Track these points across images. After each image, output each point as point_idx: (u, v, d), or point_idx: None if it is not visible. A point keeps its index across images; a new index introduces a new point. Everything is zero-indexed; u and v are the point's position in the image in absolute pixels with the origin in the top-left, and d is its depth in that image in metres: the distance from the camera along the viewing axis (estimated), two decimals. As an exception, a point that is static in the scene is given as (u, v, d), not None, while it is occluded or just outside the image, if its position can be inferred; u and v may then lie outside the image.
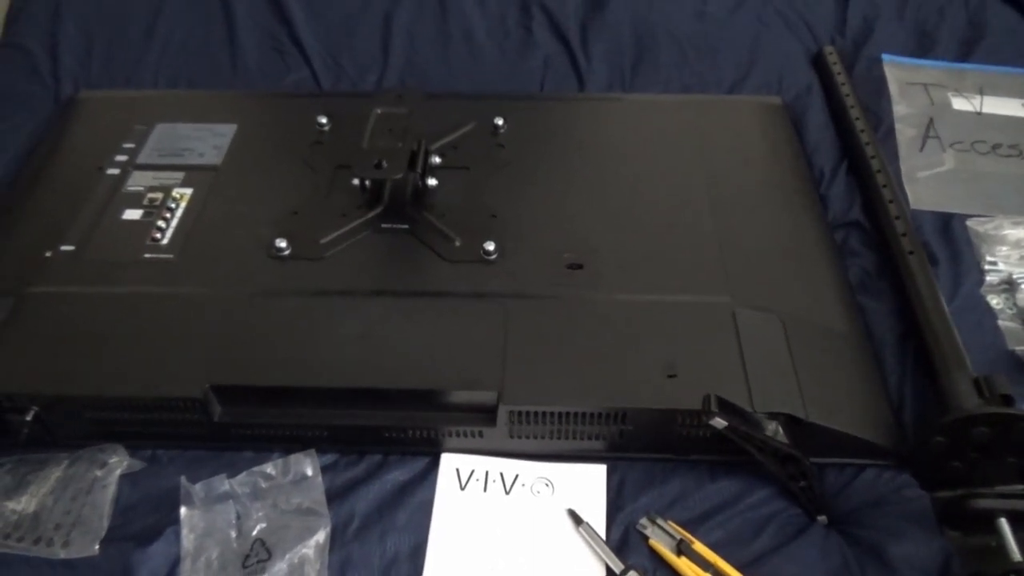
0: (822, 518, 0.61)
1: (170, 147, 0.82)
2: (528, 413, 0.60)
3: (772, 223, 0.76)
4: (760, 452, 0.58)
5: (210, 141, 0.83)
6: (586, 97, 0.92)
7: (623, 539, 0.59)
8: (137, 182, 0.79)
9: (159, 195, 0.77)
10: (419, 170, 0.74)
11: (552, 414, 0.60)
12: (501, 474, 0.61)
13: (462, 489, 0.61)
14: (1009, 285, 0.73)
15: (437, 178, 0.77)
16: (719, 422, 0.55)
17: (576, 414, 0.60)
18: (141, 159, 0.81)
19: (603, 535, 0.59)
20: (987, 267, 0.74)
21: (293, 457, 0.61)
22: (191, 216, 0.75)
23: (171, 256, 0.72)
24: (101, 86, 0.95)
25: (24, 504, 0.59)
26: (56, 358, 0.63)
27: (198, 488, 0.58)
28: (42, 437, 0.63)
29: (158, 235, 0.73)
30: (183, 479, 0.59)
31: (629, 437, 0.62)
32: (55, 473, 0.60)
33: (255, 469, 0.60)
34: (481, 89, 0.94)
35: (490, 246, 0.70)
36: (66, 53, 0.98)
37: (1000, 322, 0.70)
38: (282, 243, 0.71)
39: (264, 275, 0.70)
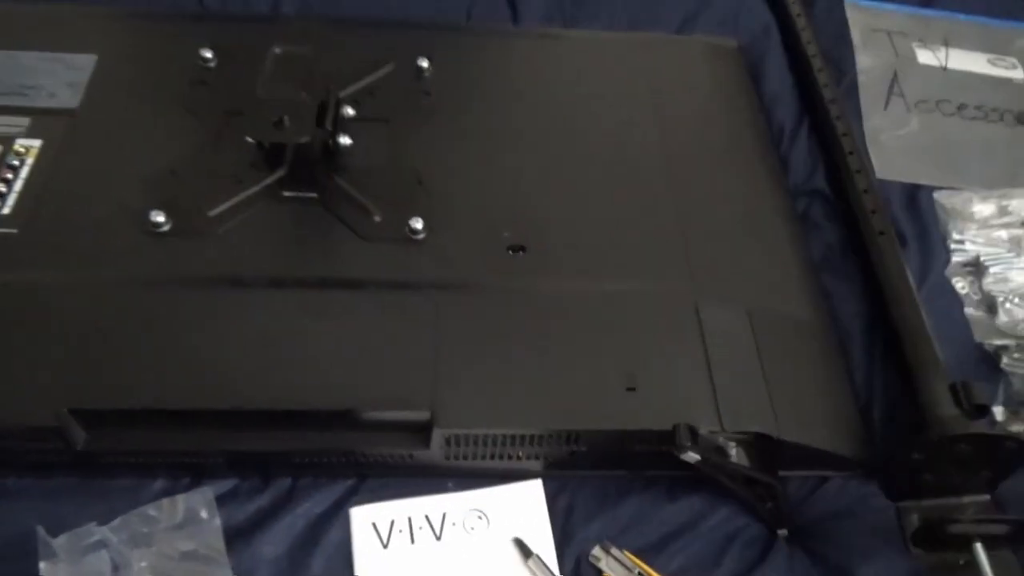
0: (783, 531, 0.56)
1: (9, 83, 0.66)
2: (468, 437, 0.51)
3: (732, 192, 0.67)
4: (728, 478, 0.52)
5: (63, 76, 0.67)
6: (522, 33, 0.80)
7: (575, 572, 0.52)
8: (-33, 129, 0.63)
9: (-3, 148, 0.62)
10: (329, 126, 0.61)
11: (497, 437, 0.52)
12: (427, 517, 0.52)
13: (385, 547, 0.51)
14: (975, 267, 0.68)
15: (351, 134, 0.64)
16: (692, 456, 0.48)
17: (525, 436, 0.52)
18: (-30, 98, 0.65)
19: (554, 563, 0.52)
20: (953, 246, 0.69)
21: (181, 497, 0.50)
22: (40, 177, 0.60)
23: (13, 231, 0.57)
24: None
25: None
26: None
27: (61, 541, 0.47)
28: None
29: (-3, 202, 0.59)
30: (40, 530, 0.47)
31: (581, 456, 0.54)
32: None
33: (133, 512, 0.49)
34: (397, 15, 0.80)
35: (418, 223, 0.59)
36: None
37: (966, 310, 0.66)
38: (160, 216, 0.58)
39: (136, 257, 0.57)
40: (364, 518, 0.52)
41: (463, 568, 0.51)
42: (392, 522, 0.51)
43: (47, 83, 0.66)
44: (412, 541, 0.51)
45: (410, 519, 0.52)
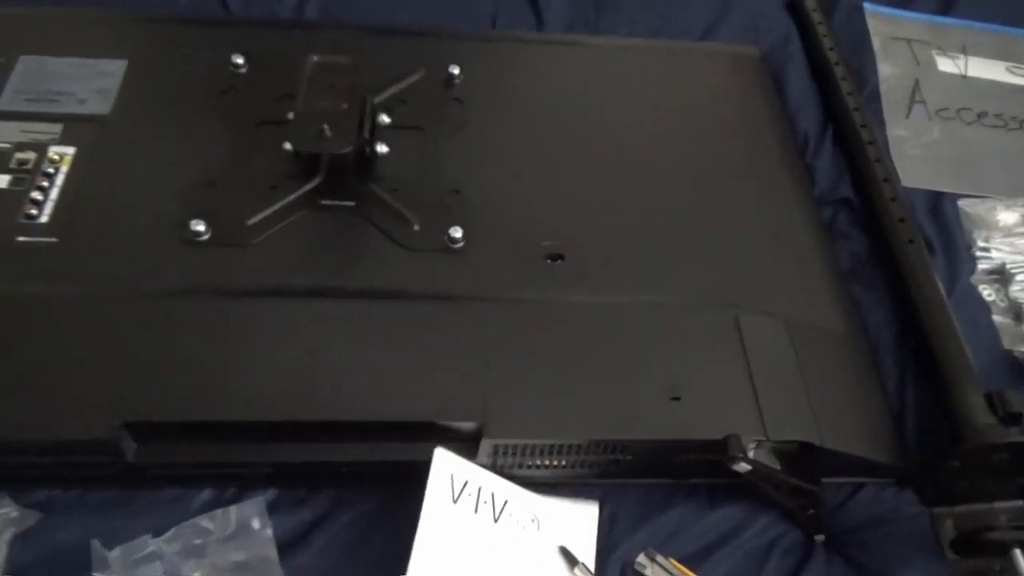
0: (820, 537, 0.57)
1: (40, 89, 0.65)
2: (516, 446, 0.52)
3: (761, 201, 0.68)
4: (772, 485, 0.53)
5: (93, 82, 0.66)
6: (549, 40, 0.80)
7: (620, 580, 0.53)
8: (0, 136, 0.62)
9: (31, 155, 0.61)
10: (367, 134, 0.61)
11: (544, 447, 0.52)
12: (492, 495, 0.52)
13: (454, 502, 0.51)
14: (1001, 275, 0.69)
15: (386, 142, 0.64)
16: (743, 467, 0.48)
17: (570, 446, 0.52)
18: (2, 104, 0.64)
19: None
20: (978, 253, 0.70)
21: (234, 508, 0.50)
22: (75, 185, 0.60)
23: (54, 240, 0.57)
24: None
25: None
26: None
27: (116, 553, 0.47)
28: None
29: (34, 211, 0.58)
30: (95, 544, 0.47)
31: (625, 465, 0.54)
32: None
33: (186, 524, 0.49)
34: (419, 21, 0.80)
35: (457, 232, 0.59)
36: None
37: (994, 317, 0.67)
38: (200, 226, 0.58)
39: (177, 267, 0.57)
40: (445, 465, 0.51)
41: (510, 556, 0.51)
42: (465, 483, 0.51)
43: (77, 89, 0.66)
44: (475, 510, 0.51)
45: (479, 489, 0.52)
